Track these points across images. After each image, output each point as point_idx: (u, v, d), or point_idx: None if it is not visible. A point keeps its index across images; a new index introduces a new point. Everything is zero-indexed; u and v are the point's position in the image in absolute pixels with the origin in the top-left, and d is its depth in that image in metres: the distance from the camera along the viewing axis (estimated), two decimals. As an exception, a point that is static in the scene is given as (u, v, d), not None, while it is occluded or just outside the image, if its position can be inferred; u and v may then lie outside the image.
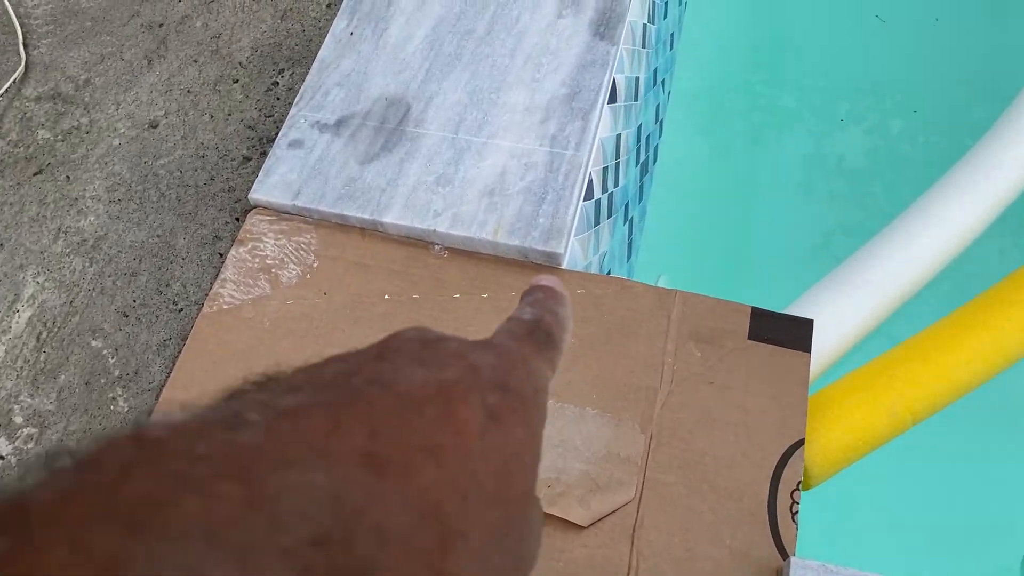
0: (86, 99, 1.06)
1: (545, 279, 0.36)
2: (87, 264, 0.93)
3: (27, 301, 0.91)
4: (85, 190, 0.99)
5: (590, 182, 0.98)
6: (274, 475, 0.18)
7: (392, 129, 0.98)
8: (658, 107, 1.32)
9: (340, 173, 0.95)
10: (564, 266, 0.91)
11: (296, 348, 0.85)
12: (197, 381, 0.82)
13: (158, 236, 0.96)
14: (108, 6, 1.13)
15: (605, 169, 1.04)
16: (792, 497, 0.75)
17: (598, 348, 0.84)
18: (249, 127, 1.04)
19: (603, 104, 1.00)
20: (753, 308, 0.85)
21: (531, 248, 0.89)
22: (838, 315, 0.99)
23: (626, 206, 1.16)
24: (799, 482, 0.76)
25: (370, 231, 0.93)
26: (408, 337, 0.27)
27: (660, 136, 1.34)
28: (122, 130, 1.04)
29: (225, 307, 0.87)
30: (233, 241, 0.94)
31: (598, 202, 1.01)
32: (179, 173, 1.00)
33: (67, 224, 0.96)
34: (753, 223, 1.35)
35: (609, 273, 1.10)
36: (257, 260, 0.91)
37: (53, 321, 0.89)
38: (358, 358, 0.25)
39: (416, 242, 0.92)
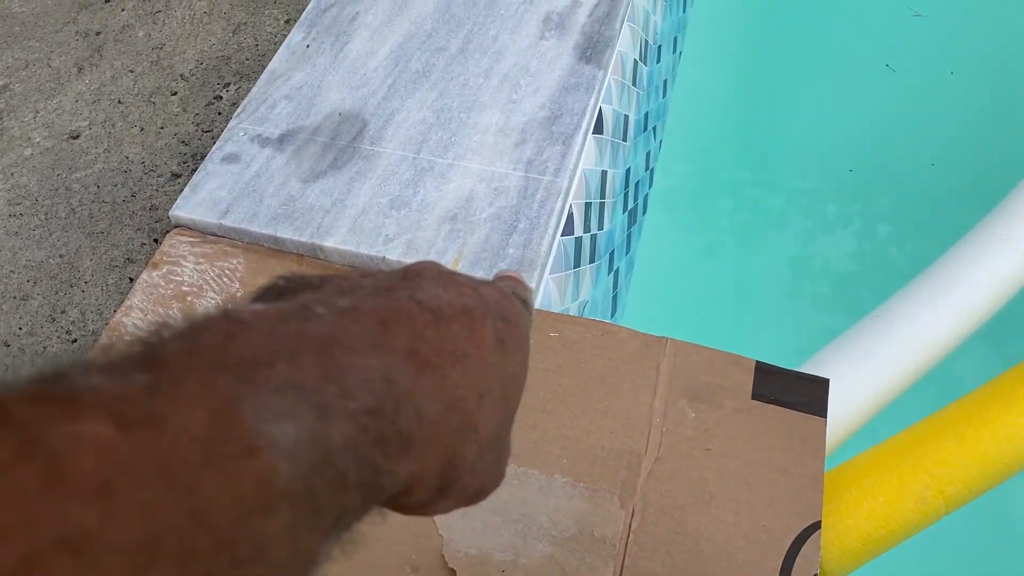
0: (0, 105, 0.93)
1: (509, 271, 0.38)
2: (-31, 284, 0.79)
3: None
4: (-18, 202, 0.85)
5: (570, 215, 0.85)
6: (344, 356, 0.23)
7: (344, 146, 0.85)
8: (648, 154, 1.20)
9: (278, 191, 0.81)
10: (536, 307, 0.77)
11: None
12: None
13: (60, 256, 0.81)
14: (41, 11, 1.02)
15: (588, 205, 0.91)
16: None
17: (572, 403, 0.69)
18: (183, 142, 0.91)
19: (587, 131, 0.88)
20: (758, 363, 0.71)
21: (497, 282, 0.75)
22: (855, 378, 0.84)
23: (611, 254, 1.03)
24: (815, 574, 0.61)
25: (309, 258, 0.79)
26: (426, 267, 0.31)
27: (650, 186, 1.22)
28: (37, 140, 0.91)
29: (127, 338, 0.72)
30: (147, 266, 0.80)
31: (579, 241, 0.88)
32: (96, 188, 0.87)
33: (-46, 238, 0.82)
34: (739, 324, 1.23)
35: (590, 327, 0.96)
36: (171, 286, 0.76)
37: (-84, 348, 0.74)
38: (387, 276, 0.29)
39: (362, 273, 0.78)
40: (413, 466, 0.25)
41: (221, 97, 0.96)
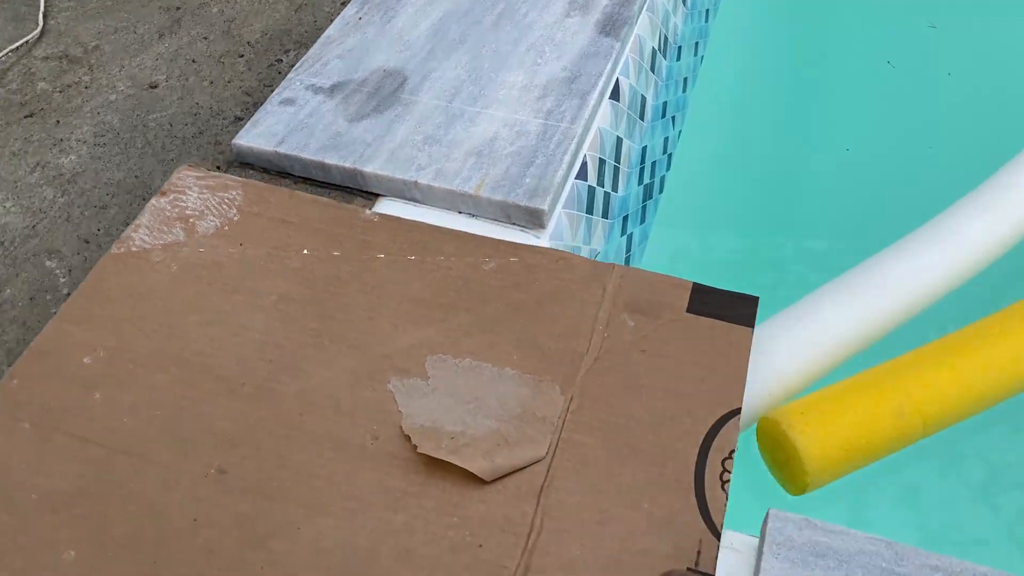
0: (92, 61, 1.07)
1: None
2: (58, 195, 0.91)
3: (-11, 223, 0.88)
4: (72, 133, 0.98)
5: (585, 163, 0.95)
6: None
7: (387, 95, 0.97)
8: (667, 140, 1.30)
9: (327, 128, 0.93)
10: (549, 232, 0.86)
11: (201, 295, 0.78)
12: (91, 316, 0.76)
13: (136, 176, 0.93)
14: (131, -11, 1.16)
15: (603, 162, 1.01)
16: (723, 465, 0.66)
17: (525, 313, 0.77)
18: (247, 93, 1.04)
19: (603, 92, 0.98)
20: (695, 284, 0.79)
21: (514, 204, 0.84)
22: (842, 316, 0.91)
23: (625, 219, 1.13)
24: (732, 451, 0.67)
25: (299, 192, 0.88)
26: None
27: (668, 169, 1.31)
28: (121, 88, 1.04)
29: (134, 249, 0.81)
30: (210, 186, 0.91)
31: (592, 190, 0.98)
32: (169, 126, 0.99)
33: (47, 160, 0.95)
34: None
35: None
36: (176, 210, 0.85)
37: (12, 241, 0.86)
38: None
39: (345, 206, 0.87)
40: None
41: (282, 60, 1.08)
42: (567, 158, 0.89)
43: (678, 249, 1.34)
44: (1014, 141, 1.12)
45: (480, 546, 0.62)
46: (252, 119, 0.93)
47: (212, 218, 0.86)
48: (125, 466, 0.67)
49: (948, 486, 1.03)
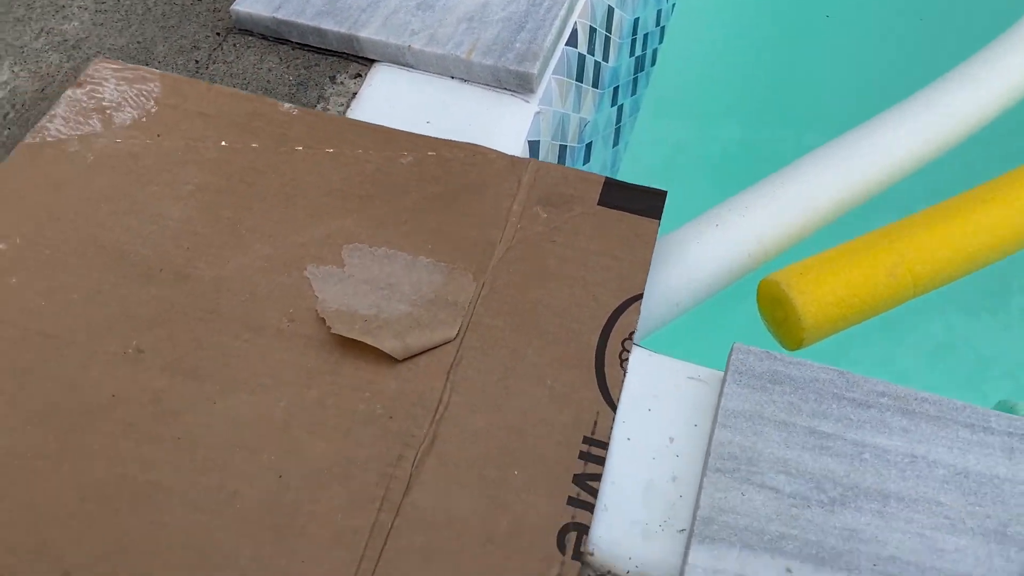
0: (88, -73, 1.08)
1: None
2: (64, 60, 0.94)
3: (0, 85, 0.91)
4: (73, 0, 1.00)
5: (575, 30, 0.97)
6: None
7: (380, -39, 0.98)
8: (659, 12, 1.31)
9: (323, -6, 0.95)
10: (538, 96, 0.89)
11: (117, 185, 0.79)
12: (5, 204, 0.77)
13: (138, 43, 0.96)
14: None
15: (593, 31, 1.03)
16: (623, 345, 0.70)
17: (441, 205, 0.79)
18: (243, -39, 1.05)
19: (594, -42, 1.00)
20: (607, 178, 0.81)
21: (504, 67, 0.87)
22: (823, 181, 0.95)
23: (616, 89, 1.15)
24: (632, 332, 0.71)
25: (218, 87, 0.88)
26: None
27: (660, 42, 1.33)
28: (118, -46, 1.05)
29: (49, 139, 0.82)
30: (211, 51, 0.94)
31: (583, 58, 1.00)
32: (168, -7, 1.01)
33: (51, 26, 0.97)
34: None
35: (591, 146, 1.09)
36: (93, 101, 0.86)
37: (23, 104, 0.90)
38: None
39: (264, 99, 0.87)
40: None
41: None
42: (557, 23, 0.91)
43: (679, 141, 1.34)
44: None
45: (391, 418, 0.66)
46: (249, -15, 0.95)
47: (129, 110, 0.85)
48: (42, 345, 0.69)
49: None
